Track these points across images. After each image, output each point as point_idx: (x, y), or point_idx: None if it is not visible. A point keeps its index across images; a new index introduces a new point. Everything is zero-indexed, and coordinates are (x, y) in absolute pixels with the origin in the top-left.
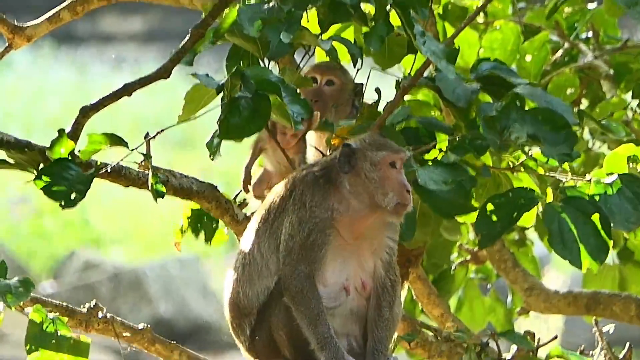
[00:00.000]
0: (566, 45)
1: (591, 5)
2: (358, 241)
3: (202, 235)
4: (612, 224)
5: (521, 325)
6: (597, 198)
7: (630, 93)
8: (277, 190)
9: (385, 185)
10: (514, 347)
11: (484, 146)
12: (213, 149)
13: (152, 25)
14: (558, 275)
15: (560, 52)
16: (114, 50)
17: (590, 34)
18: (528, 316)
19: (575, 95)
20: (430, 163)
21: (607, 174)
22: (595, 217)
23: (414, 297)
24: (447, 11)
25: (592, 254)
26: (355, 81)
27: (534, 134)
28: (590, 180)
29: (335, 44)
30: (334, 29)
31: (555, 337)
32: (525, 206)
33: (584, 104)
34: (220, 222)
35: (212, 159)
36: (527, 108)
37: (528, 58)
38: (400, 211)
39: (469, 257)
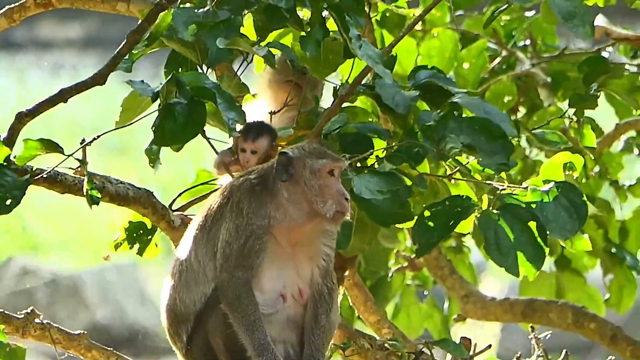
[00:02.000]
0: (504, 53)
1: (529, 13)
2: (295, 248)
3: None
4: (548, 232)
5: (458, 331)
6: (533, 206)
7: (566, 101)
8: (215, 198)
9: (325, 193)
10: (449, 355)
11: (421, 155)
12: (152, 157)
13: (91, 32)
14: (495, 282)
15: (497, 60)
16: (52, 57)
17: (528, 42)
18: (465, 323)
19: (512, 103)
20: (366, 172)
21: (544, 182)
22: (532, 225)
23: (351, 304)
24: (385, 19)
25: (528, 261)
26: None
27: (470, 144)
28: (527, 188)
29: (273, 50)
30: (272, 36)
31: (490, 346)
32: (462, 214)
33: (522, 111)
34: (156, 234)
35: (152, 167)
36: (465, 117)
37: (466, 66)
38: (339, 219)
39: (406, 264)
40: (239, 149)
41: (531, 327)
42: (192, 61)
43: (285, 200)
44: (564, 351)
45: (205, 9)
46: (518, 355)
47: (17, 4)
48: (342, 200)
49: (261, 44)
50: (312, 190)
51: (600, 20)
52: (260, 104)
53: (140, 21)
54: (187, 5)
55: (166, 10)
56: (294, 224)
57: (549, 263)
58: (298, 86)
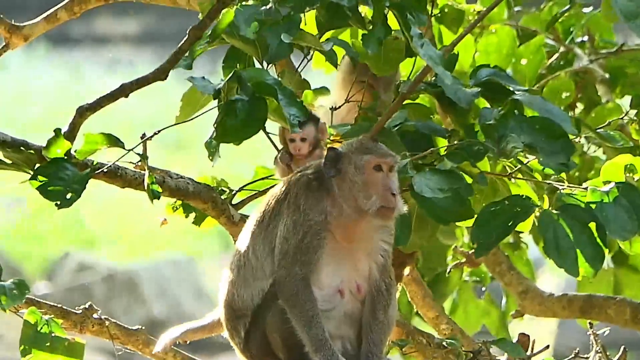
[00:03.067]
0: (562, 49)
1: (586, 9)
2: (352, 244)
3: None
4: (607, 233)
5: (515, 327)
6: (593, 206)
7: (624, 97)
8: (273, 193)
9: (369, 188)
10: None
11: (482, 152)
12: (212, 150)
13: (147, 27)
14: (552, 277)
15: (555, 56)
16: (109, 52)
17: (585, 38)
18: (522, 319)
19: (570, 99)
20: (426, 170)
21: (604, 183)
22: (592, 225)
23: (409, 300)
24: (443, 14)
25: (587, 261)
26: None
27: (531, 143)
28: (587, 188)
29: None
30: (328, 33)
31: (547, 347)
32: (522, 214)
33: (579, 108)
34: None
35: (211, 160)
36: (526, 115)
37: (524, 62)
38: (385, 214)
39: (463, 260)
40: (288, 140)
41: (589, 323)
42: (250, 57)
43: (338, 196)
44: (622, 347)
45: (268, 6)
46: (576, 351)
47: None
48: (387, 196)
49: (320, 39)
50: (356, 185)
51: None
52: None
53: (201, 17)
54: (250, 2)
55: (228, 7)
56: (349, 220)
57: (606, 259)
58: (371, 86)
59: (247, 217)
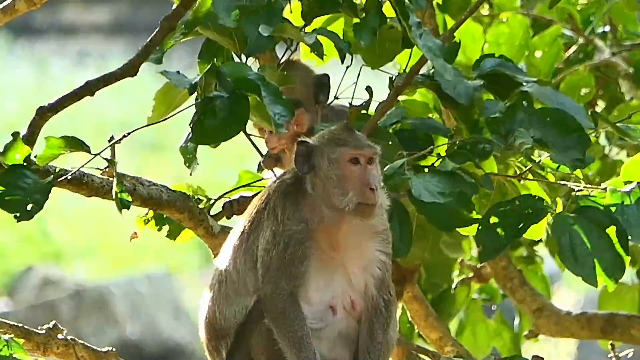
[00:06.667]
0: (581, 40)
1: None
2: (343, 254)
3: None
4: (629, 238)
5: (530, 349)
6: (613, 209)
7: None
8: (255, 202)
9: (345, 184)
10: None
11: (487, 151)
12: (188, 156)
13: (120, 16)
14: (570, 294)
15: (574, 49)
16: (77, 44)
17: (607, 28)
18: (537, 340)
19: (590, 96)
20: (426, 171)
21: (625, 183)
22: (611, 230)
23: (410, 319)
24: (447, 2)
25: (607, 270)
26: (337, 78)
27: (541, 138)
28: (606, 189)
29: (321, 38)
30: (319, 21)
31: None
32: (533, 216)
33: (600, 105)
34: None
35: (188, 167)
36: (535, 107)
37: (538, 54)
38: (365, 212)
39: (471, 275)
40: (265, 141)
41: (611, 344)
42: (229, 51)
43: (315, 197)
44: None
45: None
46: None
47: None
48: (365, 191)
49: (306, 29)
50: (331, 181)
51: None
52: None
53: (175, 5)
54: None
55: None
56: (331, 224)
57: (630, 274)
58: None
59: (228, 228)
